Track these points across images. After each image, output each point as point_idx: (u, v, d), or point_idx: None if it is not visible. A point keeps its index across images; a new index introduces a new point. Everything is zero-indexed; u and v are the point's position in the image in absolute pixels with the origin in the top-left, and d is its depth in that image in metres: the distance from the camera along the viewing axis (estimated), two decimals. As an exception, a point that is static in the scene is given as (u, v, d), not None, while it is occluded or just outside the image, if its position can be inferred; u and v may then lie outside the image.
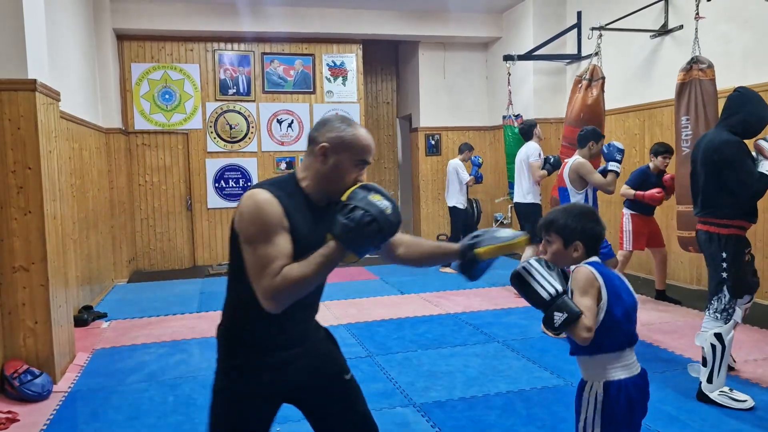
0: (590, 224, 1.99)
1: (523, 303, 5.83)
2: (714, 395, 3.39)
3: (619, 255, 5.54)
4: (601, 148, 4.93)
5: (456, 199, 7.70)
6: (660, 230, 5.79)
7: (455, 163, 7.70)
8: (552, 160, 6.22)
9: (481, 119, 9.74)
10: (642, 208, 5.55)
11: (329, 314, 5.67)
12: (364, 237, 1.64)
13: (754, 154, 3.45)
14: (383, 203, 1.68)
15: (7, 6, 3.84)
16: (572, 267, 2.00)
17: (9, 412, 3.56)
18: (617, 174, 4.72)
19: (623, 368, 1.93)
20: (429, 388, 3.78)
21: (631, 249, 5.60)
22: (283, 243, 1.67)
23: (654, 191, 5.36)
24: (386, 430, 3.23)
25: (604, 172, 4.76)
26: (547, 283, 1.86)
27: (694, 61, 5.10)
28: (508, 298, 6.12)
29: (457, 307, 5.84)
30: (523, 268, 1.91)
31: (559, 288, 1.85)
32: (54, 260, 4.13)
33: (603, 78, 6.35)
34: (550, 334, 4.45)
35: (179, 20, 8.08)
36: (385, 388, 3.83)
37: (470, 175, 7.63)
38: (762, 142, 3.40)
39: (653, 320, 5.15)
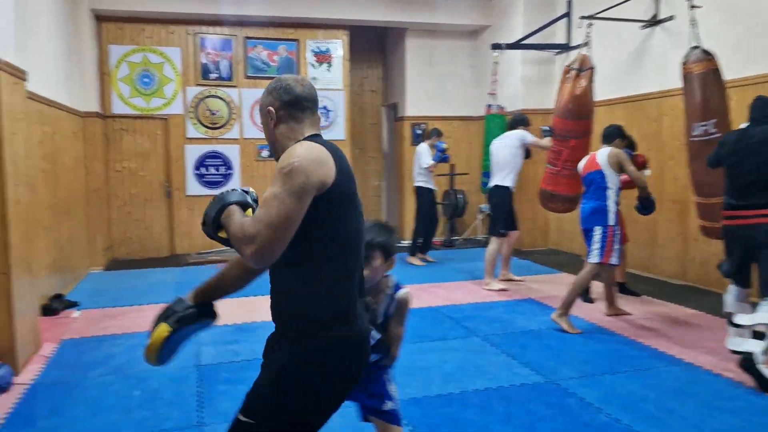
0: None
1: (506, 297, 5.77)
2: (761, 367, 3.45)
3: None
4: (625, 146, 5.14)
5: (420, 179, 7.53)
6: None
7: (422, 147, 7.56)
8: (549, 129, 6.19)
9: (467, 109, 9.59)
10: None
11: (307, 306, 5.53)
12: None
13: None
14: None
15: (-34, -21, 3.65)
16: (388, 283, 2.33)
17: (-35, 405, 3.41)
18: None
19: None
20: (405, 384, 3.65)
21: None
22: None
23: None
24: (361, 427, 3.10)
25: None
26: None
27: (704, 51, 5.00)
28: (490, 292, 6.01)
29: (437, 300, 5.72)
30: None
31: None
32: (17, 248, 3.95)
33: (592, 68, 6.22)
34: None
35: (160, 2, 7.85)
36: (360, 383, 3.70)
37: (433, 160, 7.44)
38: None
39: (636, 315, 5.06)
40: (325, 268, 1.72)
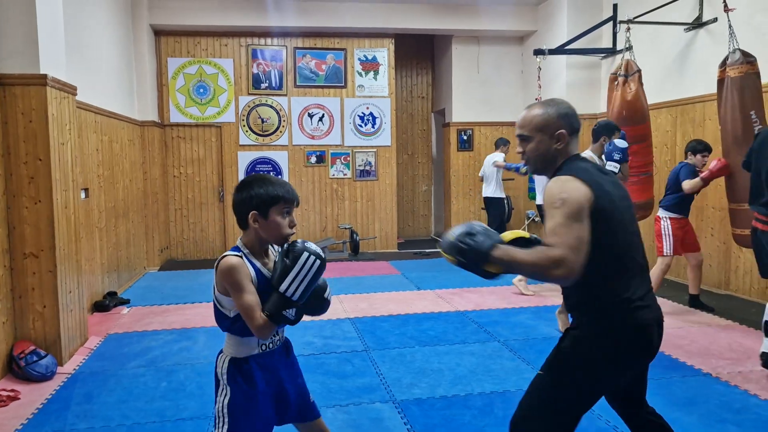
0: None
1: (534, 303, 5.77)
2: None
3: (660, 262, 5.26)
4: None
5: (491, 190, 7.63)
6: (695, 233, 5.52)
7: (492, 156, 7.71)
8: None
9: (514, 114, 9.52)
10: (680, 210, 5.31)
11: (339, 308, 5.72)
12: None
13: None
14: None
15: (20, 4, 4.03)
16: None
17: (12, 390, 3.76)
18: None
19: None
20: (414, 385, 3.77)
21: (672, 254, 5.25)
22: None
23: (718, 163, 5.08)
24: (359, 425, 3.25)
25: None
26: None
27: (742, 54, 4.89)
28: (522, 297, 6.02)
29: (468, 304, 5.78)
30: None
31: None
32: (63, 247, 4.32)
33: (639, 71, 6.12)
34: None
35: (214, 16, 8.27)
36: (371, 382, 3.84)
37: (506, 167, 7.50)
38: None
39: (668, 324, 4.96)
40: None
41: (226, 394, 1.98)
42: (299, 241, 1.94)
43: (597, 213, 1.86)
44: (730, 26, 5.22)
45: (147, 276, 7.61)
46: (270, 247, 2.08)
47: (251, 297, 1.90)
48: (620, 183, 2.11)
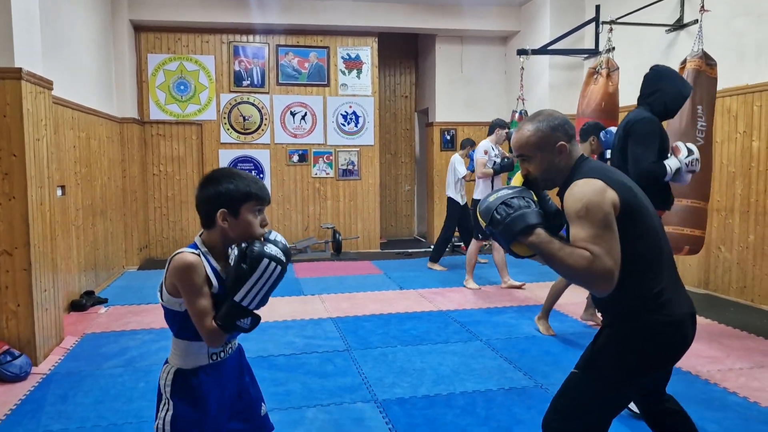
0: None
1: (517, 302, 5.77)
2: None
3: None
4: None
5: (452, 191, 7.53)
6: None
7: (455, 158, 7.56)
8: (504, 160, 6.34)
9: (497, 114, 9.53)
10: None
11: (321, 307, 5.67)
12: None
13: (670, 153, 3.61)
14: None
15: (-6, -4, 3.94)
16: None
17: (-16, 391, 3.67)
18: None
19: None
20: (396, 385, 3.74)
21: None
22: None
23: None
24: (340, 425, 3.21)
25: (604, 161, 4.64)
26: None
27: (703, 54, 4.89)
28: (504, 297, 6.02)
29: (450, 304, 5.76)
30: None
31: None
32: (38, 245, 4.22)
33: (618, 69, 6.18)
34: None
35: (195, 12, 8.17)
36: (353, 382, 3.80)
37: (468, 169, 7.44)
38: (680, 143, 3.53)
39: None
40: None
41: (168, 410, 1.81)
42: (257, 243, 1.76)
43: (625, 213, 1.83)
44: (700, 27, 5.24)
45: (126, 275, 7.49)
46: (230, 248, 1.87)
47: (204, 302, 1.75)
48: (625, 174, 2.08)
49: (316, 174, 8.96)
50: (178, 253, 1.80)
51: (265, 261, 1.72)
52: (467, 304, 5.73)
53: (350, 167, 9.02)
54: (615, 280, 1.75)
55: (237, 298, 1.72)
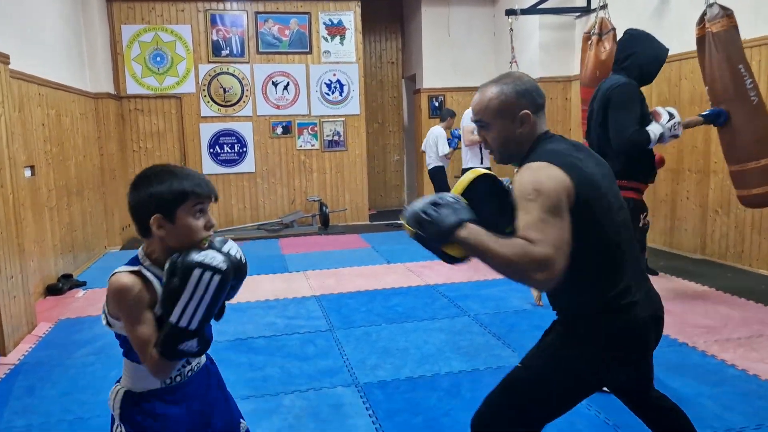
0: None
1: (509, 273, 5.59)
2: None
3: None
4: None
5: (434, 161, 7.30)
6: None
7: (436, 132, 7.29)
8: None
9: (488, 79, 9.26)
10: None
11: (305, 285, 5.50)
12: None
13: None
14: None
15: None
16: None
17: (-54, 385, 3.49)
18: None
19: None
20: (378, 367, 3.57)
21: None
22: None
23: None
24: (318, 412, 3.05)
25: None
26: None
27: (721, 9, 4.64)
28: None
29: (438, 277, 5.59)
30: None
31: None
32: (2, 230, 4.01)
33: (614, 29, 5.94)
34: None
35: (168, -21, 7.83)
36: (334, 365, 3.63)
37: (450, 146, 7.19)
38: (659, 108, 3.42)
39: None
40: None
41: None
42: (192, 251, 1.46)
43: (579, 204, 1.60)
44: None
45: (107, 256, 7.29)
46: None
47: (144, 329, 1.47)
48: (600, 158, 1.82)
49: (300, 146, 8.71)
50: (115, 273, 1.54)
51: (197, 271, 1.43)
52: (455, 278, 5.55)
53: (336, 138, 8.77)
54: (555, 271, 1.49)
55: (173, 319, 1.44)
